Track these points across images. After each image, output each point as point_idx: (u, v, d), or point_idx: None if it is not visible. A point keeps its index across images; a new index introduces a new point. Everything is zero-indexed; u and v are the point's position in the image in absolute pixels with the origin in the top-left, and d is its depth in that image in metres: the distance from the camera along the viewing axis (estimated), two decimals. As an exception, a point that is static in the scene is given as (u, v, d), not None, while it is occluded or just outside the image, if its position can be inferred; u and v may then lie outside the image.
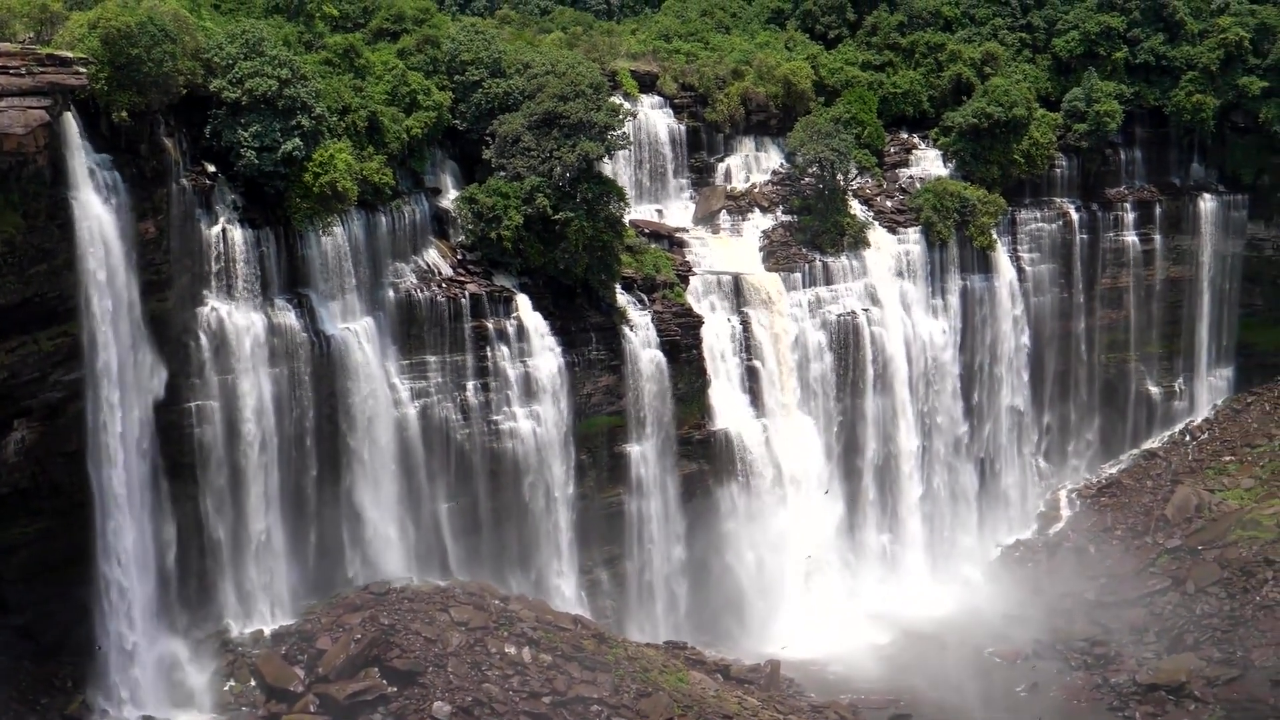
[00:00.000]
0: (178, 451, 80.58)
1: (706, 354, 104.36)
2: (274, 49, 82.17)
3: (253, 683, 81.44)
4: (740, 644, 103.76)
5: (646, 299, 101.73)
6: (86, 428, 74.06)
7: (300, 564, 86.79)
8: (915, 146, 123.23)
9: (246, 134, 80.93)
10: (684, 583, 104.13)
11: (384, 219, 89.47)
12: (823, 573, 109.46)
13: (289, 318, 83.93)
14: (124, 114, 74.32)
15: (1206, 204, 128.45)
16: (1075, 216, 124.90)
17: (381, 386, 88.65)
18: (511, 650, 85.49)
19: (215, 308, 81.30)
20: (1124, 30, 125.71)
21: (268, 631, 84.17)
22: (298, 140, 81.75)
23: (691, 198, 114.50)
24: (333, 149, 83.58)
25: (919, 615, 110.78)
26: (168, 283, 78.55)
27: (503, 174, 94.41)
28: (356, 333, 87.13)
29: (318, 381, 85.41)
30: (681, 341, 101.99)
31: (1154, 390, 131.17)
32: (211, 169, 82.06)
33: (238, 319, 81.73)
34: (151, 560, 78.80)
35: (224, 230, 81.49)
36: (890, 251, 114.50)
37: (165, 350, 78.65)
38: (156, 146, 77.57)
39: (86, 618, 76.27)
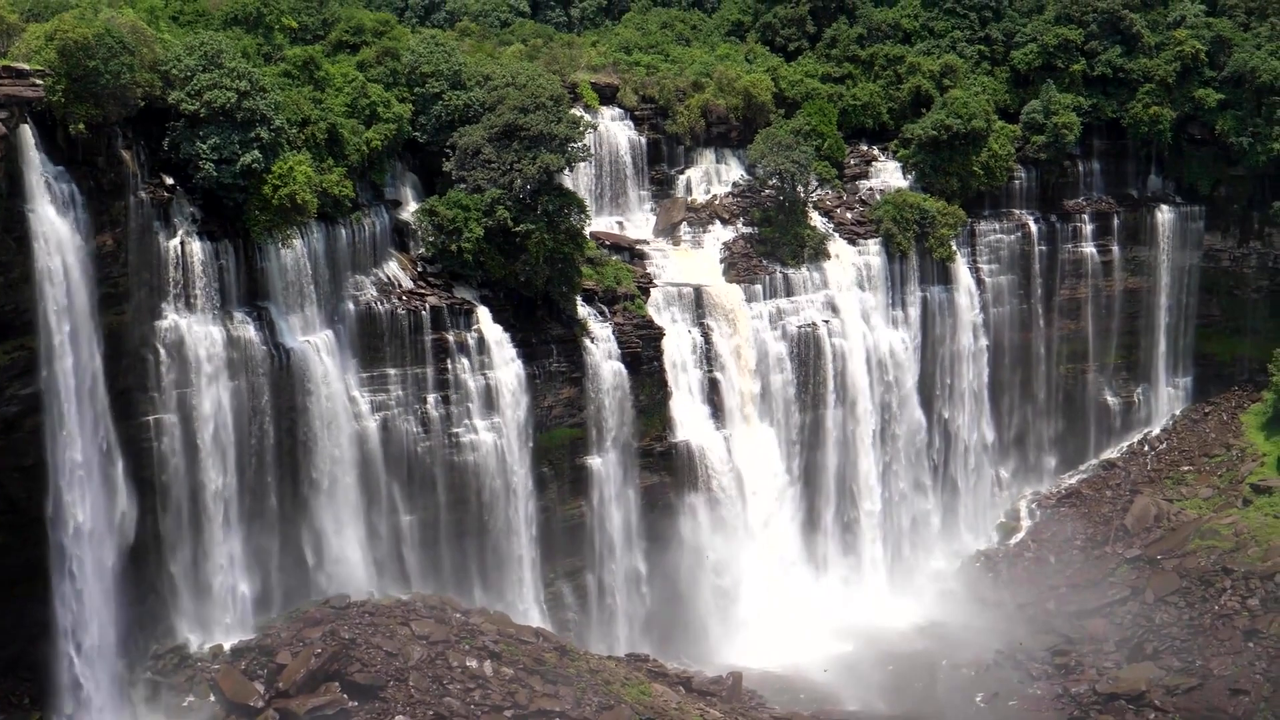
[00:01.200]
0: (136, 465, 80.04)
1: (668, 366, 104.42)
2: (233, 61, 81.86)
3: (212, 698, 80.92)
4: (702, 656, 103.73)
5: (607, 311, 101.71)
6: (44, 442, 73.50)
7: (260, 578, 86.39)
8: (875, 158, 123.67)
9: (205, 146, 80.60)
10: (646, 595, 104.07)
11: (344, 231, 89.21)
12: (784, 584, 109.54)
13: (248, 331, 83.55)
14: (81, 126, 73.89)
15: (1164, 215, 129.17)
16: (1034, 228, 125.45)
17: (341, 399, 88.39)
18: (473, 664, 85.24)
19: (174, 321, 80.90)
20: (1082, 43, 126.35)
21: (227, 646, 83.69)
22: (257, 152, 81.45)
23: (652, 210, 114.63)
24: (292, 161, 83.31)
25: (880, 626, 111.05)
26: (126, 296, 78.16)
27: (463, 186, 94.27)
28: (316, 345, 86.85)
29: (277, 395, 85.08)
30: (642, 353, 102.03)
31: (1112, 400, 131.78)
32: (170, 181, 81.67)
33: (196, 332, 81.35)
34: (109, 575, 78.23)
35: (182, 243, 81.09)
36: (850, 263, 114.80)
37: (123, 363, 78.19)
38: (114, 159, 77.24)
39: (44, 633, 75.61)
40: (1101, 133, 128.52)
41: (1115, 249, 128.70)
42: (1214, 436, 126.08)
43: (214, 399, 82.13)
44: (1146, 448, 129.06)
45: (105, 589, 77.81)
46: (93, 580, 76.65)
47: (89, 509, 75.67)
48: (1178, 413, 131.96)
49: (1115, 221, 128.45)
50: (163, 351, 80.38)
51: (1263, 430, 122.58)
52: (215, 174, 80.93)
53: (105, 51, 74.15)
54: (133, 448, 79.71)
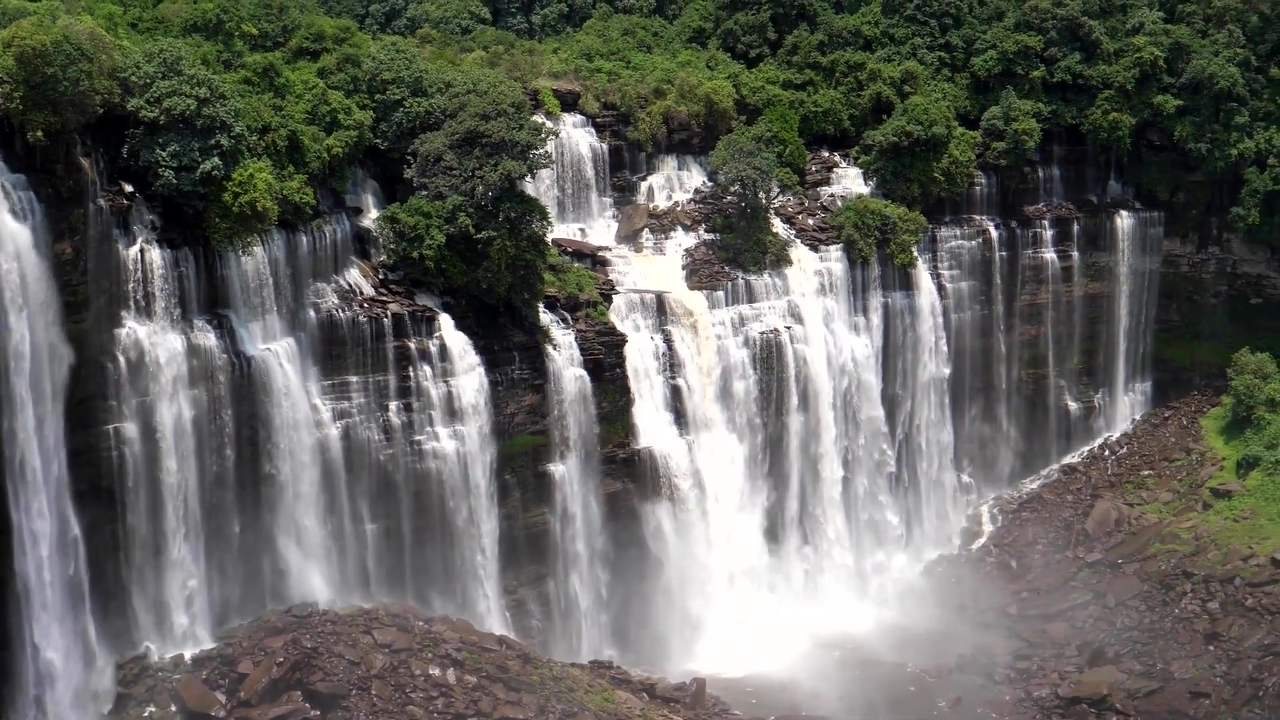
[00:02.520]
0: (96, 474, 79.69)
1: (630, 373, 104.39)
2: (192, 68, 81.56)
3: (173, 708, 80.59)
4: (666, 662, 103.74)
5: (570, 318, 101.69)
6: (1, 450, 73.00)
7: (221, 587, 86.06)
8: (836, 165, 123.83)
9: (164, 153, 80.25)
10: (609, 602, 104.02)
11: (305, 239, 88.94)
12: (747, 590, 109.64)
13: (208, 339, 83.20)
14: (39, 134, 73.52)
15: (1123, 221, 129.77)
16: (995, 234, 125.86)
17: (303, 407, 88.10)
18: (436, 672, 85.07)
19: (133, 329, 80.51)
20: (1041, 50, 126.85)
21: (188, 656, 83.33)
22: (217, 160, 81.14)
23: (614, 216, 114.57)
24: (252, 168, 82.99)
25: (843, 631, 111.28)
26: (85, 304, 77.66)
27: (424, 193, 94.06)
28: (277, 353, 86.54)
29: (238, 403, 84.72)
30: (605, 360, 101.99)
31: (1073, 405, 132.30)
32: (129, 189, 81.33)
33: (156, 340, 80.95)
34: (70, 585, 77.77)
35: (142, 251, 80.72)
36: (812, 269, 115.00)
37: (83, 372, 77.74)
38: (73, 166, 76.79)
39: (4, 645, 75.19)
40: (1061, 139, 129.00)
41: (1075, 254, 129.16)
42: (1174, 441, 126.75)
43: (174, 408, 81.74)
44: (1107, 452, 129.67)
45: (66, 599, 77.37)
46: (52, 590, 76.16)
47: (48, 518, 75.19)
48: (1138, 417, 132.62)
49: (1075, 227, 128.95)
50: (122, 360, 79.91)
51: (1222, 434, 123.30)
52: (175, 181, 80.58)
53: (63, 58, 73.77)
54: (93, 456, 79.33)
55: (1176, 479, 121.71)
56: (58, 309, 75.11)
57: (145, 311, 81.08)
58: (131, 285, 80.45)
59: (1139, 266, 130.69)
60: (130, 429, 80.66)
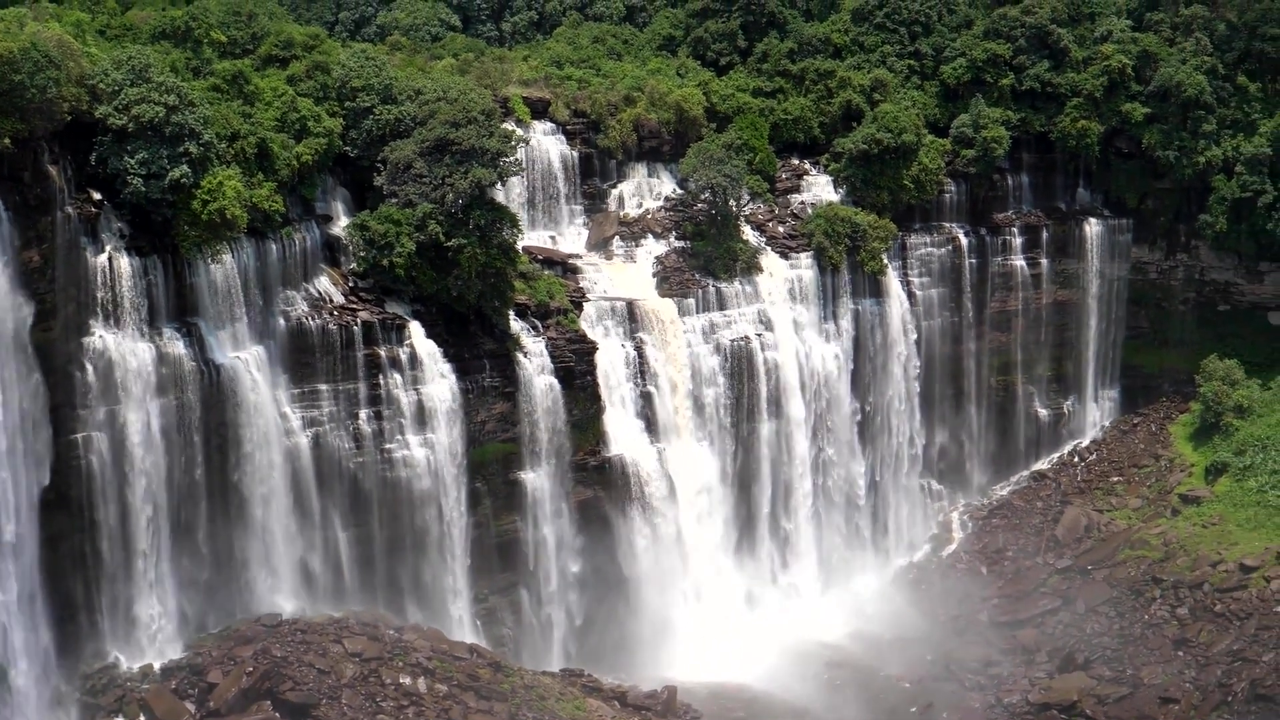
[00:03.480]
0: (65, 483, 79.25)
1: (601, 380, 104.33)
2: (161, 75, 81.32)
3: (142, 718, 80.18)
4: (637, 670, 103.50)
5: (540, 326, 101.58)
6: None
7: (190, 596, 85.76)
8: (806, 172, 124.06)
9: (133, 161, 79.96)
10: (580, 609, 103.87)
11: (274, 246, 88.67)
12: (718, 597, 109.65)
13: (178, 347, 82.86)
14: (7, 141, 73.28)
15: (1092, 228, 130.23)
16: (964, 241, 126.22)
17: (272, 416, 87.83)
18: (406, 681, 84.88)
19: (102, 337, 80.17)
20: (1010, 57, 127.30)
21: (157, 666, 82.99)
22: (185, 167, 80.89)
23: (585, 224, 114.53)
24: (221, 176, 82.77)
25: (814, 638, 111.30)
26: (53, 312, 77.39)
27: (394, 201, 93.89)
28: (247, 361, 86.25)
29: (207, 411, 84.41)
30: (576, 368, 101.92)
31: (1043, 412, 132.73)
32: (97, 196, 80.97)
33: (125, 348, 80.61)
34: (38, 595, 77.45)
35: (110, 258, 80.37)
36: (783, 276, 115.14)
37: (51, 380, 77.38)
38: (40, 174, 76.54)
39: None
40: (1030, 146, 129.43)
41: (1044, 262, 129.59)
42: (1143, 447, 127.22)
43: (143, 416, 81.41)
44: (1076, 459, 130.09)
45: (33, 609, 77.06)
46: (19, 600, 75.86)
47: (15, 527, 74.85)
48: (1107, 424, 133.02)
49: (1044, 234, 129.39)
50: (91, 368, 79.57)
51: (1190, 441, 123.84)
52: (143, 189, 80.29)
53: (31, 65, 73.50)
54: (61, 465, 78.92)
55: (1145, 485, 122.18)
56: (26, 316, 74.73)
57: (114, 320, 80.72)
58: (100, 293, 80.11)
59: (1108, 273, 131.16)
60: (99, 438, 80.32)
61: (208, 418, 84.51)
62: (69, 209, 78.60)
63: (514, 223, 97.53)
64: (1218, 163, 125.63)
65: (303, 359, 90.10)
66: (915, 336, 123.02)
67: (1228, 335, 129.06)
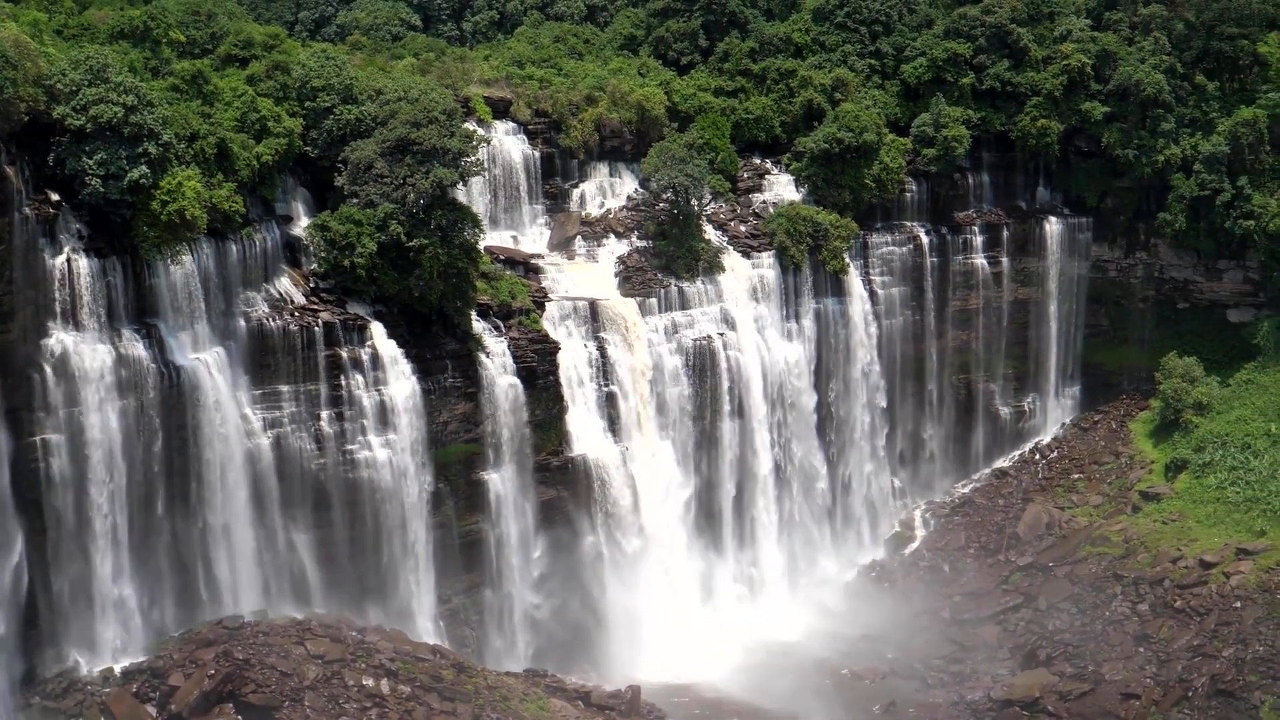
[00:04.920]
0: (24, 486, 78.73)
1: (563, 380, 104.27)
2: (119, 75, 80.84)
3: (103, 722, 79.83)
4: (601, 670, 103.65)
5: (502, 326, 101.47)
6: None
7: (151, 599, 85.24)
8: (768, 172, 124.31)
9: (91, 162, 79.47)
10: (544, 610, 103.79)
11: (234, 247, 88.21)
12: (682, 596, 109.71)
13: (137, 348, 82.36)
14: (-37, 142, 72.77)
15: (1052, 227, 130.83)
16: (925, 240, 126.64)
17: (233, 417, 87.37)
18: (369, 682, 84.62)
19: (60, 339, 79.63)
20: (970, 57, 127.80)
21: (118, 669, 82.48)
22: (144, 168, 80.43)
23: (546, 224, 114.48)
24: (180, 176, 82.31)
25: (778, 637, 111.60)
26: (10, 314, 76.90)
27: (355, 201, 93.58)
28: (207, 363, 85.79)
29: (167, 413, 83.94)
30: (538, 368, 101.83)
31: (1004, 410, 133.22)
32: (55, 197, 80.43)
33: (84, 350, 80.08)
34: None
35: (69, 260, 79.86)
36: (745, 276, 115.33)
37: (9, 383, 76.87)
38: (-3, 175, 76.03)
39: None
40: (990, 145, 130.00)
41: (1005, 260, 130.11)
42: (1103, 445, 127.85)
43: (103, 418, 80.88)
44: (1037, 456, 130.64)
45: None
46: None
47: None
48: (1068, 421, 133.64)
49: (1005, 233, 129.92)
50: (49, 370, 79.05)
51: (1150, 438, 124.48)
52: (102, 190, 79.82)
53: (-13, 66, 73.07)
54: (19, 468, 78.41)
55: (1106, 482, 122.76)
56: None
57: (73, 321, 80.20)
58: (58, 295, 79.56)
59: (1068, 272, 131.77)
60: (58, 440, 79.77)
61: (168, 420, 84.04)
62: (27, 210, 78.06)
63: (476, 223, 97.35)
64: (1176, 161, 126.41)
65: (263, 360, 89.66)
66: (877, 335, 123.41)
67: (1187, 333, 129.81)
